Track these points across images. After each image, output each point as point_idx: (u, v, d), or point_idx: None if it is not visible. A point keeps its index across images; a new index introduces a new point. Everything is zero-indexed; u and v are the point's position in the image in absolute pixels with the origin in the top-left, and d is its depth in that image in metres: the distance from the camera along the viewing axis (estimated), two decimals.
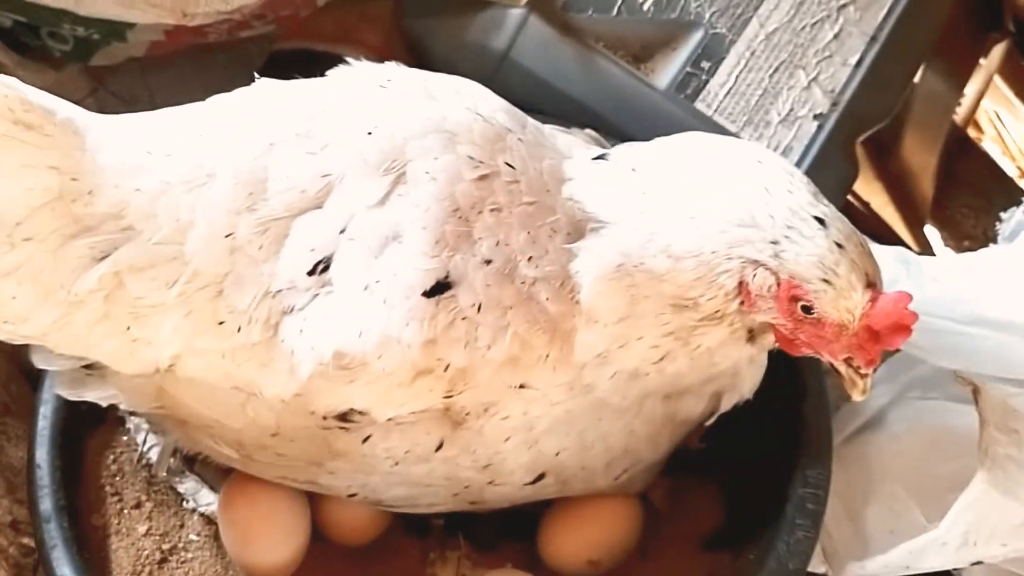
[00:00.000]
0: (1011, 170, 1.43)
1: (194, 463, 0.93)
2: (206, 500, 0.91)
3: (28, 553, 0.93)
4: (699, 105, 1.06)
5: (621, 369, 0.78)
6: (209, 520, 0.90)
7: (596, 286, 0.75)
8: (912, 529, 0.84)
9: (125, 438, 0.93)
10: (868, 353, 0.74)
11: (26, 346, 1.01)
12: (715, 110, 1.06)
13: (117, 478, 0.91)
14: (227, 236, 0.73)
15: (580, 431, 0.80)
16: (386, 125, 0.76)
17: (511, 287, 0.74)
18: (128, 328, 0.73)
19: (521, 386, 0.76)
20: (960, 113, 1.40)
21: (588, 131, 0.92)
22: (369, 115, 0.77)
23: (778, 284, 0.73)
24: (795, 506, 0.84)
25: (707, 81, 1.07)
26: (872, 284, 0.73)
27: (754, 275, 0.73)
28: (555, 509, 0.91)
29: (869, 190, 1.37)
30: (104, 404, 0.83)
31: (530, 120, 0.84)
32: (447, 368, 0.74)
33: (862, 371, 0.75)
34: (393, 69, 0.83)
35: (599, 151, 0.85)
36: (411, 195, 0.74)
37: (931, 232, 1.35)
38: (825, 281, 0.72)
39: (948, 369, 0.93)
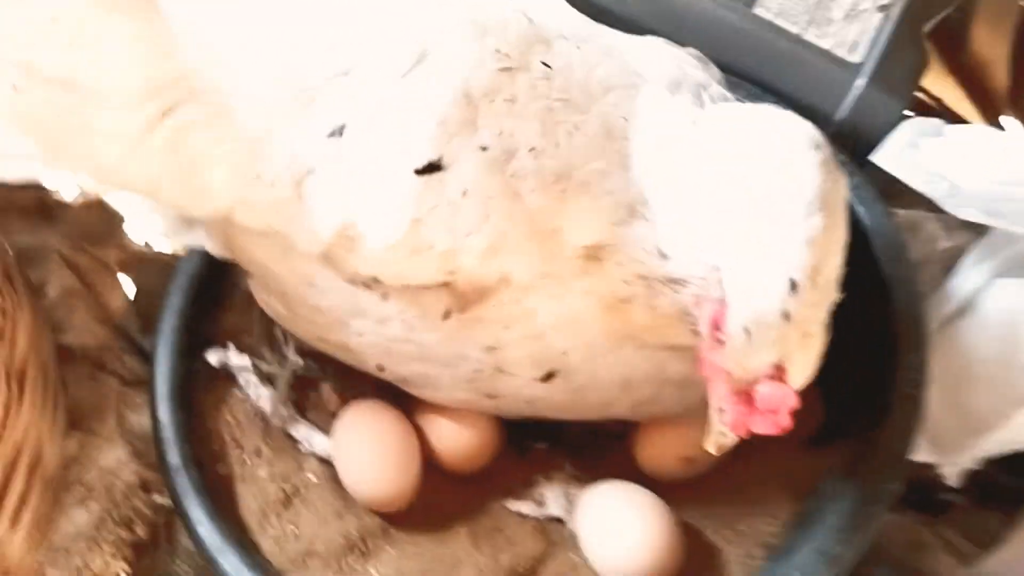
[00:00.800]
0: None
1: (306, 410, 0.98)
2: (320, 443, 0.95)
3: (159, 510, 0.99)
4: (758, 10, 1.05)
5: (595, 290, 0.78)
6: (325, 461, 0.95)
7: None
8: (1016, 405, 0.84)
9: (238, 392, 0.98)
10: (736, 416, 0.71)
11: (140, 325, 1.09)
12: (775, 13, 1.05)
13: (235, 429, 0.96)
14: (263, 100, 0.77)
15: (588, 332, 0.80)
16: (420, 12, 0.80)
17: (499, 177, 0.76)
18: (191, 175, 0.78)
19: (502, 277, 0.78)
20: None
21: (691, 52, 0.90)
22: (403, 4, 0.81)
23: (719, 300, 0.72)
24: (895, 391, 0.84)
25: None
26: (782, 368, 0.70)
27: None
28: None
29: (941, 85, 1.34)
30: (206, 247, 0.89)
31: (607, 34, 0.85)
32: (431, 248, 0.77)
33: (721, 428, 0.73)
34: None
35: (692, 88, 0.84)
36: (427, 76, 0.77)
37: (1008, 122, 1.31)
38: (747, 332, 0.69)
39: None
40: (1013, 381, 0.85)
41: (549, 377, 0.84)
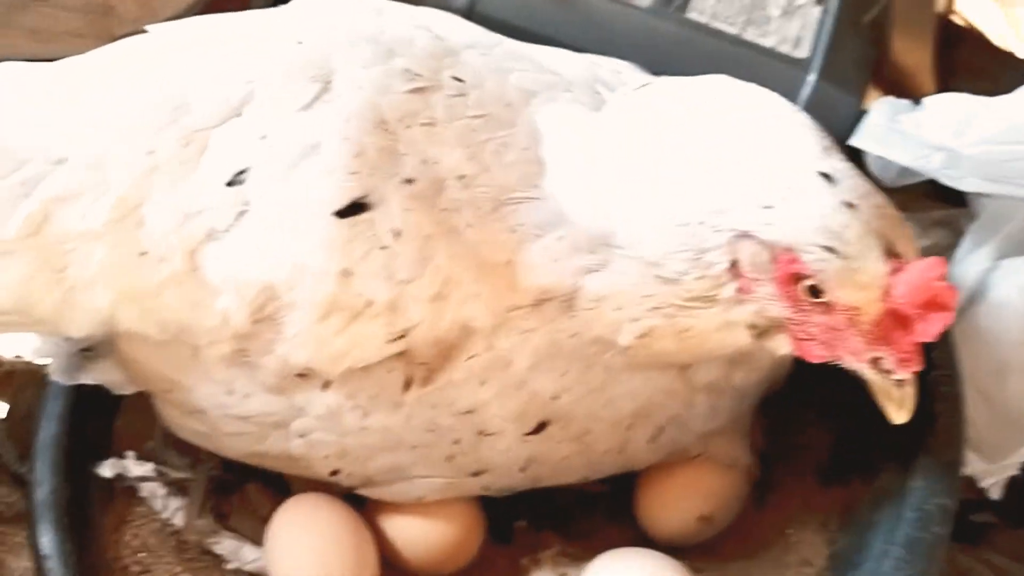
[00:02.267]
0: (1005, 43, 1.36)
1: (227, 518, 0.81)
2: (250, 556, 0.79)
3: None
4: (691, 15, 0.97)
5: (586, 333, 0.67)
6: None
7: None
8: None
9: (142, 509, 0.80)
10: (898, 347, 0.60)
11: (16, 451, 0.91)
12: (709, 16, 0.97)
13: (142, 554, 0.78)
14: (148, 154, 0.66)
15: (582, 370, 0.68)
16: (317, 36, 0.70)
17: (432, 212, 0.65)
18: (60, 271, 0.66)
19: (462, 326, 0.66)
20: (941, 1, 1.33)
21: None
22: (303, 27, 0.71)
23: (774, 259, 0.61)
24: (929, 393, 0.72)
25: None
26: (895, 252, 0.59)
27: (743, 249, 0.62)
28: (649, 472, 0.79)
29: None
30: (102, 383, 0.76)
31: (510, 42, 0.76)
32: (370, 305, 0.65)
33: (896, 375, 0.61)
34: None
35: (610, 74, 0.77)
36: (335, 104, 0.67)
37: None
38: (828, 249, 0.59)
39: None
40: None
41: (541, 428, 0.70)
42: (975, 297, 0.83)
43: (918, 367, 0.61)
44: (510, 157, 0.68)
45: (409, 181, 0.66)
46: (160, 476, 0.81)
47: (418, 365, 0.67)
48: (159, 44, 0.72)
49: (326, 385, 0.68)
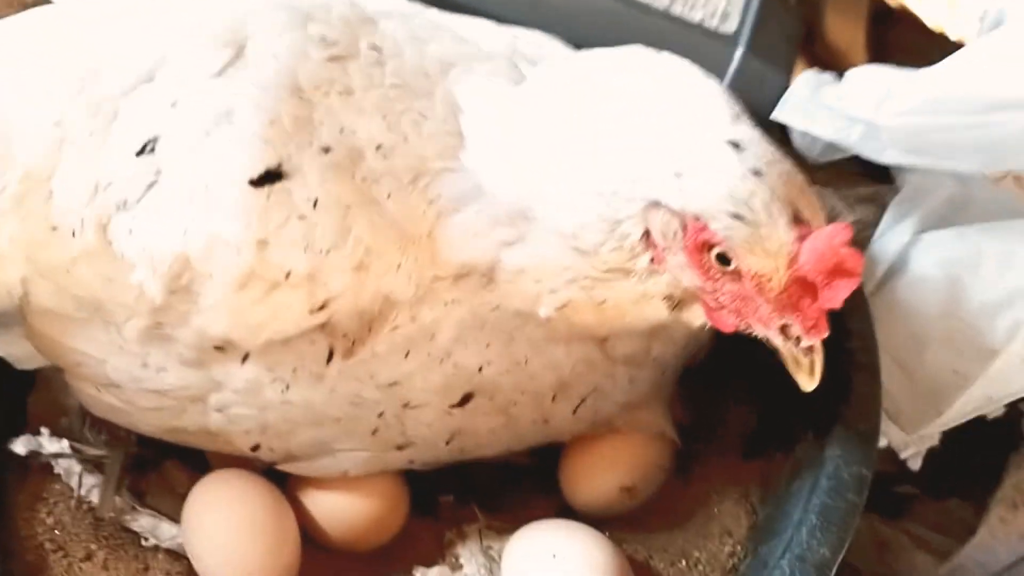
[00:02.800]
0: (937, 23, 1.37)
1: (144, 496, 0.79)
2: (168, 534, 0.77)
3: None
4: None
5: (507, 306, 0.66)
6: (176, 555, 0.76)
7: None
8: (977, 360, 0.75)
9: (57, 486, 0.78)
10: (805, 314, 0.59)
11: None
12: None
13: (57, 531, 0.76)
14: (55, 125, 0.64)
15: (505, 342, 0.68)
16: (232, 2, 0.69)
17: (350, 182, 0.64)
18: None
19: (384, 297, 0.65)
20: None
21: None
22: None
23: (684, 227, 0.61)
24: (846, 363, 0.73)
25: None
26: (801, 219, 0.59)
27: (655, 218, 0.61)
28: (574, 444, 0.79)
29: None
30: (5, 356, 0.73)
31: (431, 11, 0.75)
32: (289, 275, 0.64)
33: (803, 342, 0.61)
34: None
35: (530, 48, 0.75)
36: (248, 71, 0.66)
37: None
38: (736, 216, 0.58)
39: (960, 197, 0.85)
40: (968, 336, 0.76)
41: (466, 400, 0.69)
42: (895, 270, 0.83)
43: (825, 333, 0.61)
44: (428, 128, 0.67)
45: (326, 150, 0.65)
46: (76, 453, 0.79)
47: (340, 337, 0.66)
48: (66, 14, 0.70)
49: (245, 358, 0.67)
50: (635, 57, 0.69)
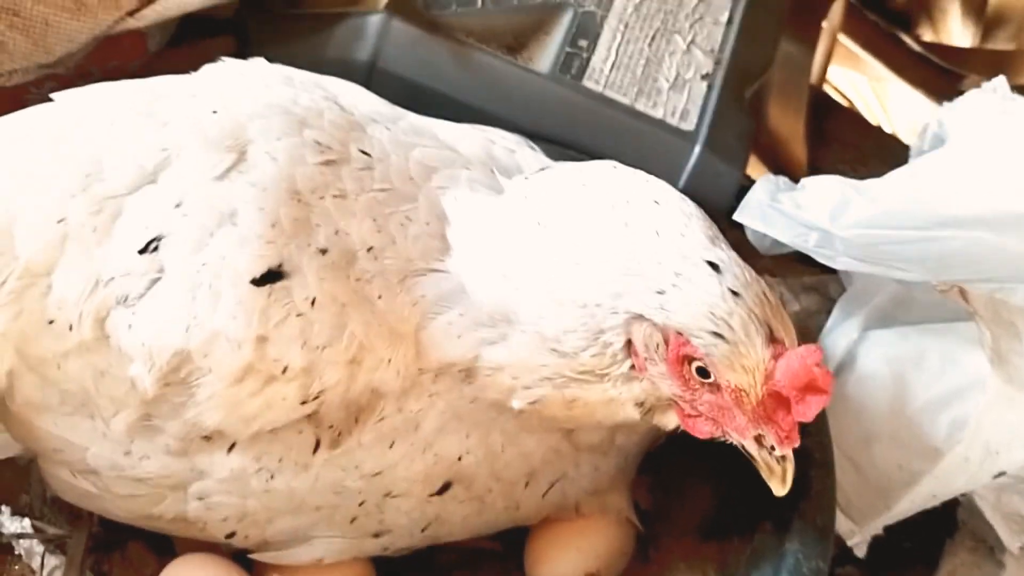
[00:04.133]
0: (871, 118, 1.45)
1: None
2: None
3: None
4: (587, 83, 1.01)
5: (483, 399, 0.70)
6: None
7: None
8: (921, 457, 0.80)
9: (17, 567, 0.77)
10: (779, 426, 0.64)
11: None
12: (604, 85, 1.01)
13: None
14: (58, 222, 0.66)
15: (483, 432, 0.71)
16: (232, 105, 0.72)
17: (346, 282, 0.67)
18: None
19: (372, 389, 0.68)
20: (814, 75, 1.42)
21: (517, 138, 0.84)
22: (217, 96, 0.73)
23: (666, 341, 0.65)
24: (803, 459, 0.76)
25: (589, 59, 1.02)
26: (776, 339, 0.63)
27: (640, 331, 0.65)
28: (540, 529, 0.81)
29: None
30: None
31: (412, 116, 0.80)
32: (286, 370, 0.66)
33: (777, 451, 0.65)
34: (258, 62, 0.79)
35: (504, 151, 0.79)
36: (250, 174, 0.68)
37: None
38: (716, 335, 0.63)
39: (903, 298, 0.90)
40: (912, 433, 0.81)
41: (445, 489, 0.72)
42: (844, 367, 0.88)
43: (796, 443, 0.65)
44: (413, 230, 0.70)
45: (323, 251, 0.67)
46: (37, 533, 0.78)
47: (327, 428, 0.68)
48: (67, 111, 0.72)
49: (231, 447, 0.68)
50: (611, 172, 0.72)
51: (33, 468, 0.77)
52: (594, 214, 0.68)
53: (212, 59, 1.09)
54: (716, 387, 0.65)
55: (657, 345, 0.65)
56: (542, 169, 0.76)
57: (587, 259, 0.66)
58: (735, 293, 0.63)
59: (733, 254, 0.66)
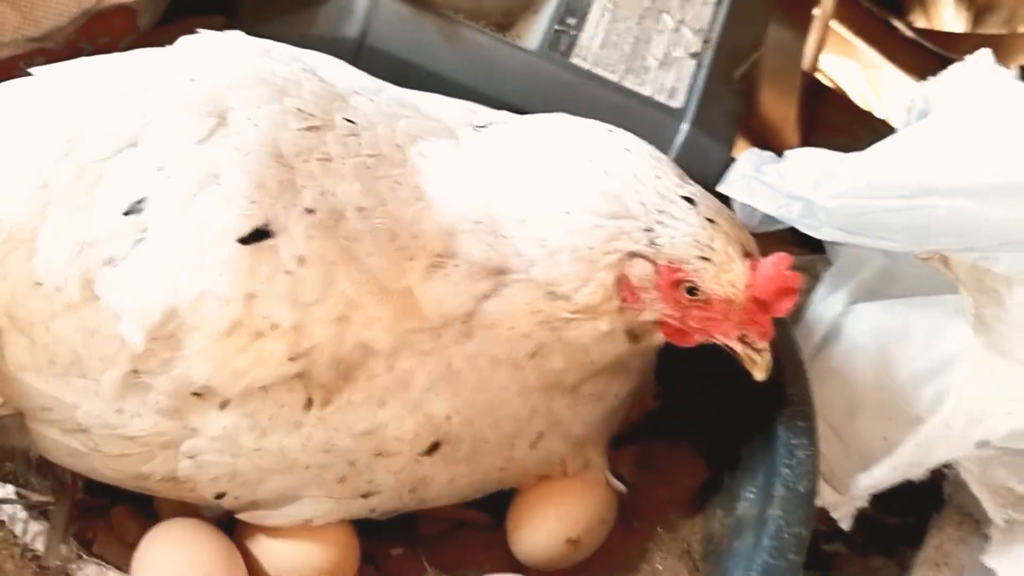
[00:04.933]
0: (864, 104, 1.46)
1: (91, 544, 0.78)
2: None
3: None
4: (575, 60, 1.01)
5: (483, 353, 0.71)
6: None
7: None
8: (906, 428, 0.80)
9: (1, 532, 0.77)
10: (759, 325, 0.71)
11: None
12: (592, 63, 1.01)
13: None
14: (41, 188, 0.68)
15: (474, 392, 0.72)
16: (210, 74, 0.73)
17: (334, 241, 0.69)
18: None
19: (363, 346, 0.69)
20: (807, 61, 1.42)
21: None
22: (195, 66, 0.74)
23: (658, 271, 0.71)
24: (786, 427, 0.77)
25: (577, 36, 1.02)
26: (749, 253, 0.71)
27: (633, 266, 0.71)
28: (520, 498, 0.82)
29: (737, 150, 1.37)
30: None
31: (392, 88, 0.81)
32: (275, 327, 0.67)
33: (758, 346, 0.72)
34: (237, 34, 0.81)
35: (484, 119, 0.80)
36: (232, 139, 0.70)
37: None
38: (703, 258, 0.70)
39: (889, 271, 0.91)
40: (896, 404, 0.81)
41: (434, 449, 0.73)
42: (830, 339, 0.88)
43: (772, 336, 0.72)
44: (404, 193, 0.71)
45: (310, 211, 0.68)
46: (21, 499, 0.78)
47: (318, 386, 0.69)
48: (46, 84, 0.74)
49: (224, 405, 0.69)
50: (575, 126, 0.77)
51: (16, 434, 0.77)
52: (574, 166, 0.73)
53: None
54: (705, 302, 0.71)
55: (649, 275, 0.70)
56: (489, 124, 0.78)
57: (576, 207, 0.71)
58: (711, 220, 0.71)
59: (701, 188, 0.74)
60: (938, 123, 0.81)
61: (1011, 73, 0.85)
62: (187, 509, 0.77)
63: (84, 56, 1.02)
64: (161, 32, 1.09)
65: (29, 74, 0.83)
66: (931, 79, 0.89)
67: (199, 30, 0.80)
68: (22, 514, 0.77)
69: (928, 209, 0.76)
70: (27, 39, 0.93)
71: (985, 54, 0.85)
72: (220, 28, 1.06)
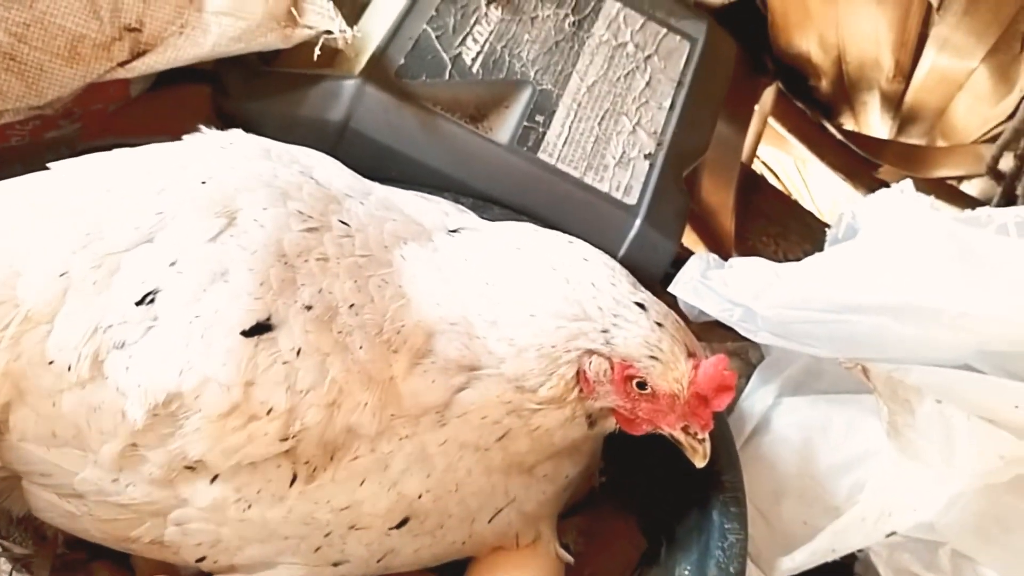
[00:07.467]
0: (795, 196, 1.57)
1: None
2: None
3: None
4: (541, 155, 1.09)
5: (455, 439, 0.79)
6: None
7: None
8: (824, 515, 0.89)
9: None
10: (701, 417, 0.80)
11: None
12: (556, 159, 1.10)
13: None
14: (61, 275, 0.74)
15: (443, 473, 0.79)
16: (220, 177, 0.80)
17: (329, 334, 0.76)
18: None
19: (349, 430, 0.76)
20: (745, 153, 1.53)
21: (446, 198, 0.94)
22: (205, 167, 0.81)
23: (612, 367, 0.79)
24: (720, 511, 0.86)
25: (544, 133, 1.11)
26: (693, 353, 0.80)
27: (590, 363, 0.79)
28: (476, 565, 0.89)
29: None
30: None
31: (378, 188, 0.88)
32: (270, 411, 0.74)
33: (699, 436, 0.81)
34: (238, 133, 0.87)
35: (456, 223, 0.88)
36: (240, 238, 0.77)
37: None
38: (652, 358, 0.78)
39: (814, 369, 1.00)
40: (818, 493, 0.91)
41: (403, 523, 0.79)
42: (760, 428, 0.98)
43: (711, 427, 0.81)
44: (389, 292, 0.78)
45: (308, 307, 0.75)
46: (4, 552, 0.82)
47: (304, 464, 0.75)
48: (65, 179, 0.79)
49: (214, 478, 0.74)
50: (539, 237, 0.86)
51: (6, 497, 0.81)
52: (538, 274, 0.81)
53: (188, 106, 1.17)
54: (652, 396, 0.79)
55: (604, 371, 0.79)
56: (459, 230, 0.86)
57: (540, 311, 0.79)
58: (659, 324, 0.79)
59: (650, 295, 0.82)
60: (863, 245, 0.92)
61: (928, 202, 0.96)
62: (164, 566, 0.82)
63: (76, 120, 1.08)
64: (148, 98, 1.15)
65: (32, 136, 0.87)
66: (860, 199, 1.00)
67: (202, 128, 0.86)
68: (6, 566, 0.81)
69: (851, 324, 0.87)
70: (28, 107, 0.98)
71: (907, 184, 0.97)
72: (205, 98, 1.15)
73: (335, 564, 0.80)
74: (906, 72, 1.43)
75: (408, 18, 1.11)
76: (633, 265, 1.05)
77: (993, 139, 1.41)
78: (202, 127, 0.86)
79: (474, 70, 1.11)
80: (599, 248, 0.87)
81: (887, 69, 1.43)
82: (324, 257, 0.77)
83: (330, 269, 0.77)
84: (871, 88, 1.50)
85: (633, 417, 0.81)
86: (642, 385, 0.79)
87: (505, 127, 1.10)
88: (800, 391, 0.99)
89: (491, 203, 1.06)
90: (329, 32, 1.02)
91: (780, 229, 1.50)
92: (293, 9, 1.02)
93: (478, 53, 1.12)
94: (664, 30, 1.24)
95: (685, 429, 0.81)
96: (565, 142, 1.11)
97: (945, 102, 1.43)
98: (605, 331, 0.78)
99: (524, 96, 1.12)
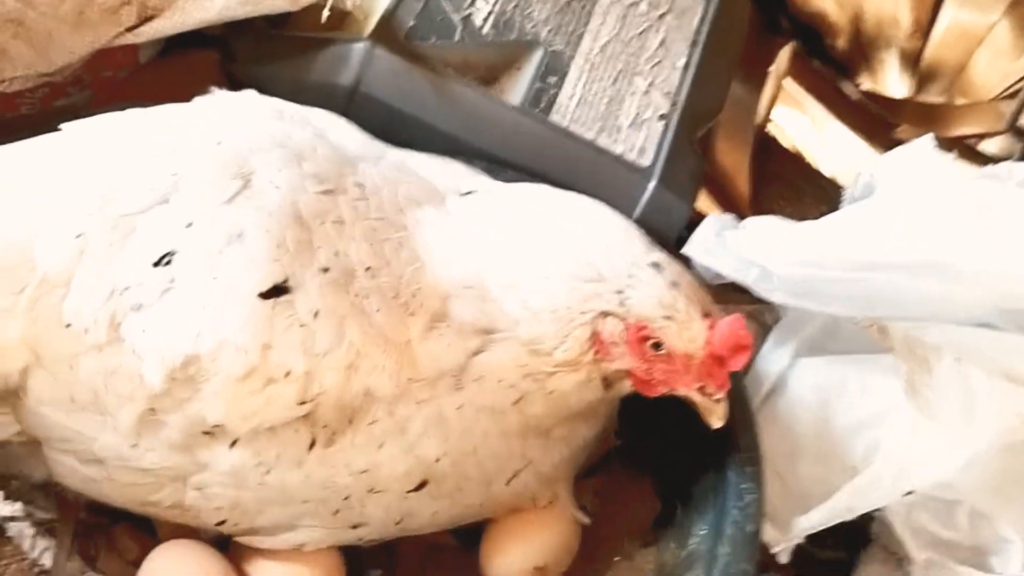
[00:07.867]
0: (811, 159, 1.56)
1: (96, 560, 0.84)
2: None
3: None
4: (554, 117, 1.08)
5: (472, 403, 0.78)
6: None
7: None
8: (841, 474, 0.88)
9: (9, 548, 0.82)
10: (717, 378, 0.79)
11: None
12: (569, 120, 1.09)
13: None
14: (76, 237, 0.73)
15: (461, 437, 0.79)
16: (233, 138, 0.80)
17: (346, 297, 0.76)
18: None
19: (366, 393, 0.75)
20: (760, 116, 1.52)
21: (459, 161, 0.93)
22: (218, 129, 0.81)
23: (627, 328, 0.78)
24: (736, 471, 0.86)
25: (556, 94, 1.09)
26: (708, 313, 0.79)
27: (605, 324, 0.78)
28: (493, 527, 0.89)
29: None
30: None
31: (392, 151, 0.88)
32: (288, 374, 0.74)
33: (715, 397, 0.80)
34: (250, 94, 0.87)
35: (469, 186, 0.88)
36: (256, 200, 0.76)
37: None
38: (667, 318, 0.78)
39: (831, 329, 1.00)
40: (834, 452, 0.90)
41: (421, 487, 0.79)
42: (776, 389, 0.97)
43: (728, 387, 0.80)
44: (405, 255, 0.78)
45: (325, 270, 0.75)
46: (28, 517, 0.83)
47: (322, 428, 0.75)
48: (78, 141, 0.79)
49: (233, 443, 0.74)
50: (554, 198, 0.86)
51: (27, 460, 0.82)
52: (552, 235, 0.81)
53: (197, 71, 1.16)
54: (668, 357, 0.79)
55: (619, 332, 0.78)
56: (473, 192, 0.86)
57: (555, 273, 0.79)
58: (675, 284, 0.78)
59: (666, 254, 0.82)
60: (881, 202, 0.90)
61: (949, 158, 0.95)
62: (186, 530, 0.83)
63: (85, 87, 1.08)
64: (157, 64, 1.15)
65: (40, 103, 0.86)
66: (878, 157, 0.99)
67: (212, 89, 0.85)
68: (29, 531, 0.82)
69: (868, 281, 0.86)
70: (38, 74, 0.97)
71: (927, 139, 0.95)
72: (214, 63, 1.14)
73: (354, 527, 0.80)
74: (924, 28, 1.40)
75: None
76: (647, 227, 1.04)
77: (1013, 95, 1.39)
78: (214, 88, 0.86)
79: (484, 31, 1.10)
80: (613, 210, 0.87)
81: (905, 26, 1.41)
82: (340, 220, 0.77)
83: (346, 232, 0.77)
84: (889, 46, 1.48)
85: (649, 379, 0.81)
86: (657, 346, 0.79)
87: (517, 89, 1.09)
88: (816, 351, 0.99)
89: (504, 166, 1.05)
90: None
91: (795, 192, 1.49)
92: None
93: (488, 14, 1.10)
94: None
95: (701, 390, 0.80)
96: (578, 103, 1.10)
97: (965, 58, 1.41)
98: (619, 292, 0.78)
99: (535, 57, 1.11)
